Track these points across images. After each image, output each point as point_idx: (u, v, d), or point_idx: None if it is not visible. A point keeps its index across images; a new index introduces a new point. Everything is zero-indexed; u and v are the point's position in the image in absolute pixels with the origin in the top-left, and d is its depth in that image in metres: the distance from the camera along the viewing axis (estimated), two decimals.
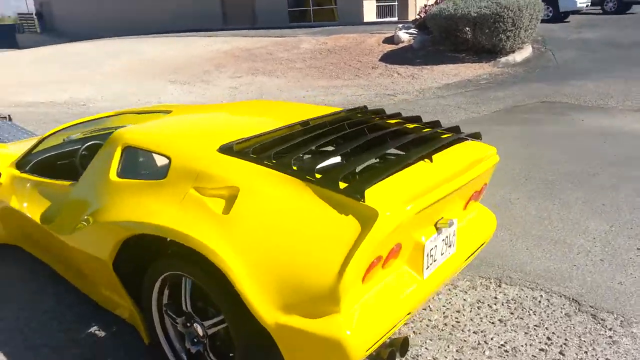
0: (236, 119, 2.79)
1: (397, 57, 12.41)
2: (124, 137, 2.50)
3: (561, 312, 2.75)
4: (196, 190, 2.07)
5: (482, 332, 2.63)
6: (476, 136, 2.58)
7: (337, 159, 2.57)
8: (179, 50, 16.63)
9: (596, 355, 2.42)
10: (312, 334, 1.75)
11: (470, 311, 2.80)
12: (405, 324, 2.70)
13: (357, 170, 2.55)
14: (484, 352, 2.48)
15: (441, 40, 12.28)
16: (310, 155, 2.62)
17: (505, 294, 2.94)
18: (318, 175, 1.92)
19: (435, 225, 2.15)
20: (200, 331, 2.12)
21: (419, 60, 11.88)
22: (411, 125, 2.69)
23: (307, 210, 1.85)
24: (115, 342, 2.68)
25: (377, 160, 2.72)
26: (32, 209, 3.02)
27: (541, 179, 4.69)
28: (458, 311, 2.81)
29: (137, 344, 2.57)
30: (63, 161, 3.37)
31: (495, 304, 2.85)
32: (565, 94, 8.27)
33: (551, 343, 2.52)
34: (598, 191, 4.33)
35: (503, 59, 11.18)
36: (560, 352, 2.45)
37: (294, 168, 1.98)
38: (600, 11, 18.63)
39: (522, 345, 2.52)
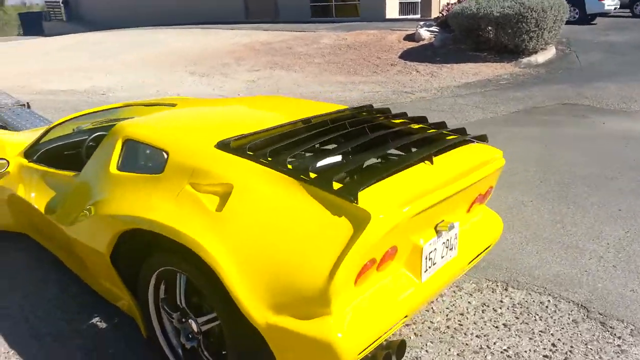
0: (239, 114, 2.76)
1: (417, 54, 12.28)
2: (124, 130, 2.50)
3: (568, 318, 2.68)
4: (192, 186, 2.05)
5: (485, 336, 2.57)
6: (482, 138, 2.51)
7: (335, 159, 2.53)
8: (200, 42, 16.70)
9: None
10: (303, 335, 1.73)
11: (474, 314, 2.75)
12: (407, 325, 2.65)
13: (354, 171, 2.52)
14: (485, 356, 2.43)
15: (462, 39, 12.11)
16: (307, 154, 2.58)
17: (511, 298, 2.88)
18: (313, 175, 1.89)
19: (435, 228, 2.10)
20: (194, 327, 2.11)
21: (439, 59, 11.73)
22: (416, 126, 2.63)
23: (299, 210, 1.82)
24: (116, 333, 2.69)
25: (376, 160, 2.68)
26: (38, 198, 3.04)
27: (557, 181, 4.59)
28: (461, 314, 2.75)
29: (138, 336, 2.56)
30: (70, 151, 3.38)
31: (500, 308, 2.79)
32: (587, 97, 8.09)
33: (556, 350, 2.46)
34: (615, 196, 4.21)
35: (525, 60, 10.97)
36: None
37: (289, 167, 1.94)
38: (630, 14, 18.16)
39: (525, 351, 2.45)
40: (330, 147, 2.65)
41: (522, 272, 3.12)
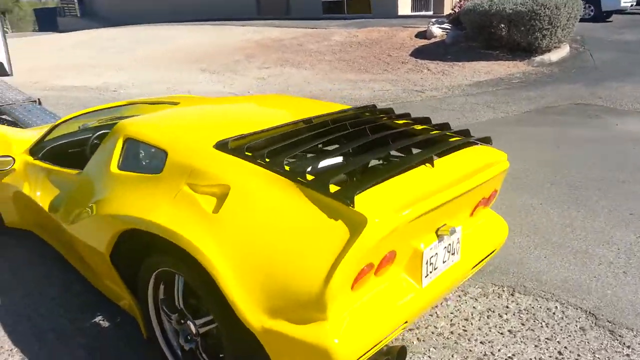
0: (241, 113, 2.74)
1: (428, 52, 12.17)
2: (125, 128, 2.48)
3: (576, 326, 2.63)
4: (189, 187, 2.03)
5: (489, 342, 2.53)
6: (486, 140, 2.47)
7: (334, 160, 2.50)
8: (211, 39, 16.71)
9: None
10: (299, 340, 1.70)
11: (479, 320, 2.70)
12: (410, 330, 2.62)
13: (352, 173, 2.48)
14: None
15: (474, 37, 11.98)
16: (306, 155, 2.55)
17: (517, 304, 2.83)
18: (310, 177, 1.86)
19: (437, 232, 2.06)
20: (193, 329, 2.09)
21: (451, 57, 11.62)
22: (419, 127, 2.59)
23: (296, 213, 1.79)
24: (118, 333, 2.68)
25: (376, 162, 2.64)
26: (42, 196, 3.04)
27: (567, 184, 4.51)
28: (466, 319, 2.71)
29: (140, 335, 2.56)
30: (74, 149, 3.39)
31: (506, 314, 2.74)
32: (600, 97, 7.95)
33: (562, 358, 2.41)
34: (627, 199, 4.13)
35: (538, 58, 10.82)
36: None
37: (286, 168, 1.91)
38: None
39: (530, 359, 2.40)
40: (330, 148, 2.62)
41: (529, 277, 3.06)
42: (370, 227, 1.67)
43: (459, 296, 2.91)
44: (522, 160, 5.11)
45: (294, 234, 1.76)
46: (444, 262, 2.15)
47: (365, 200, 1.77)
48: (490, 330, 2.61)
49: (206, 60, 13.76)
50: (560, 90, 8.56)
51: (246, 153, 2.06)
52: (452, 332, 2.60)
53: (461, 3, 13.59)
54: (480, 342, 2.52)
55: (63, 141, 3.41)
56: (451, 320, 2.70)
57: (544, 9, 10.42)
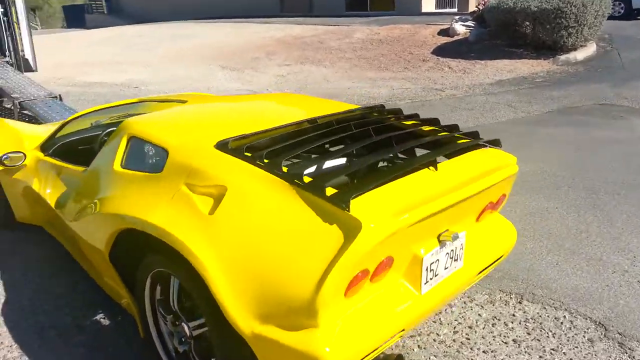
0: (247, 113, 2.71)
1: (450, 50, 12.00)
2: (130, 127, 2.48)
3: (584, 337, 2.54)
4: (187, 187, 2.01)
5: (492, 352, 2.46)
6: (495, 143, 2.39)
7: (334, 162, 2.45)
8: (234, 36, 16.78)
9: None
10: (289, 347, 1.67)
11: (484, 328, 2.63)
12: (411, 336, 2.56)
13: (352, 176, 2.43)
14: None
15: (498, 34, 11.76)
16: (307, 157, 2.51)
17: (524, 312, 2.75)
18: (307, 179, 1.82)
19: (438, 237, 2.00)
20: (186, 331, 2.07)
21: (473, 55, 11.43)
22: (426, 128, 2.52)
23: (290, 216, 1.76)
24: (118, 332, 2.69)
25: (378, 165, 2.59)
26: (51, 192, 3.07)
27: (585, 187, 4.38)
28: (470, 327, 2.64)
29: (139, 335, 2.56)
30: (83, 146, 3.41)
31: (512, 322, 2.67)
32: (626, 97, 7.72)
33: None
34: None
35: (563, 57, 10.57)
36: None
37: (284, 170, 1.88)
38: None
39: None
40: (333, 149, 2.57)
41: (538, 285, 2.98)
42: (365, 233, 1.63)
43: (465, 302, 2.84)
44: (540, 162, 4.99)
45: (287, 238, 1.73)
46: (445, 268, 2.10)
47: (362, 204, 1.72)
48: (494, 339, 2.54)
49: (227, 57, 13.82)
50: (584, 90, 8.34)
51: (245, 153, 2.03)
52: (454, 340, 2.54)
53: (485, 0, 13.36)
54: (483, 352, 2.46)
55: (73, 138, 3.45)
56: (454, 327, 2.64)
57: (570, 6, 10.16)
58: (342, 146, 2.47)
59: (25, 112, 6.99)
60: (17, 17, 9.04)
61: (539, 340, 2.52)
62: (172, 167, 2.14)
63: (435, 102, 8.32)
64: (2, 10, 8.87)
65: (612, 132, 6.05)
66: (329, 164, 2.34)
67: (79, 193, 2.72)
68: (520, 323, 2.66)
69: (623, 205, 4.00)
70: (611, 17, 12.06)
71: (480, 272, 2.31)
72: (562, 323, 2.64)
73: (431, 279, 2.02)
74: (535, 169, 4.82)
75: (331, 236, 1.66)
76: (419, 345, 2.51)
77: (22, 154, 3.31)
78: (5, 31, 8.94)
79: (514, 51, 11.21)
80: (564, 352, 2.43)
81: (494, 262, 2.39)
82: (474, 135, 2.45)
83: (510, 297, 2.88)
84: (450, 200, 1.93)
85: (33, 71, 9.28)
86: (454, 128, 2.53)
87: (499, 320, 2.69)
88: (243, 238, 1.79)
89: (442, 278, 2.08)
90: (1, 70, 8.17)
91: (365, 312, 1.82)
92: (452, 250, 2.11)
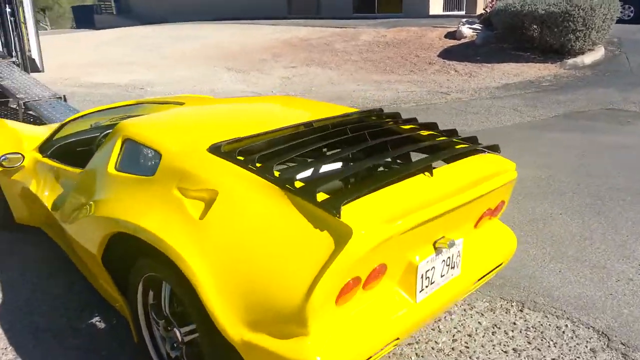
0: (243, 115, 2.68)
1: (457, 53, 11.93)
2: (125, 129, 2.46)
3: (586, 347, 2.48)
4: (179, 191, 1.98)
5: None
6: (494, 148, 2.34)
7: (327, 167, 2.41)
8: (240, 38, 16.79)
9: None
10: (278, 355, 1.63)
11: (483, 336, 2.58)
12: (409, 344, 2.52)
13: (345, 181, 2.39)
14: None
15: (505, 38, 11.68)
16: (300, 161, 2.47)
17: (525, 320, 2.69)
18: (299, 184, 1.78)
19: (434, 244, 1.96)
20: (178, 336, 2.04)
21: (480, 58, 11.36)
22: (424, 133, 2.48)
23: (281, 221, 1.72)
24: (113, 335, 2.66)
25: (372, 170, 2.54)
26: (48, 194, 3.06)
27: (590, 193, 4.31)
28: (469, 335, 2.59)
29: (132, 339, 2.54)
30: (81, 148, 3.40)
31: (512, 331, 2.61)
32: (633, 102, 7.63)
33: None
34: None
35: (571, 61, 10.48)
36: None
37: (276, 174, 1.84)
38: None
39: None
40: (327, 153, 2.54)
41: (540, 292, 2.92)
42: (356, 239, 1.59)
43: (465, 310, 2.79)
44: (545, 167, 4.93)
45: (277, 244, 1.70)
46: (442, 276, 2.05)
47: (354, 211, 1.68)
48: (493, 348, 2.49)
49: (233, 59, 13.83)
50: (591, 95, 8.26)
51: (238, 157, 2.00)
52: (453, 349, 2.49)
53: (493, 3, 13.29)
54: None
55: (71, 140, 3.43)
56: (453, 335, 2.59)
57: (578, 9, 10.08)
58: (337, 150, 2.42)
59: (30, 112, 7.01)
60: (24, 18, 9.08)
61: (540, 350, 2.47)
62: (164, 170, 2.11)
63: (441, 105, 8.26)
64: (10, 10, 8.91)
65: (619, 138, 5.97)
66: (322, 168, 2.30)
67: (73, 195, 2.70)
68: (521, 332, 2.61)
69: (628, 212, 3.93)
70: (620, 21, 11.96)
71: (479, 279, 2.26)
72: (564, 332, 2.59)
73: (427, 286, 1.98)
74: (539, 174, 4.76)
75: (321, 243, 1.62)
76: (416, 354, 2.46)
77: (20, 155, 3.30)
78: (13, 31, 8.98)
79: (520, 54, 11.14)
80: None
81: (493, 269, 2.34)
82: (472, 140, 2.40)
83: (512, 305, 2.82)
84: (446, 206, 1.89)
85: (39, 71, 9.31)
86: (452, 133, 2.49)
87: (499, 328, 2.64)
88: (233, 243, 1.75)
89: (438, 286, 2.04)
90: (7, 70, 8.20)
91: (357, 321, 1.78)
92: (449, 258, 2.06)
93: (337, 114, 2.66)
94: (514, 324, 2.67)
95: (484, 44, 12.14)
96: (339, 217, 1.63)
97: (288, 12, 24.87)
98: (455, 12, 21.88)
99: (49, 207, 2.94)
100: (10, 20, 8.95)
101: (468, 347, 2.50)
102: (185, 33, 18.93)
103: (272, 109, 2.96)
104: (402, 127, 2.57)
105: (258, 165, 1.93)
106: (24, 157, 3.29)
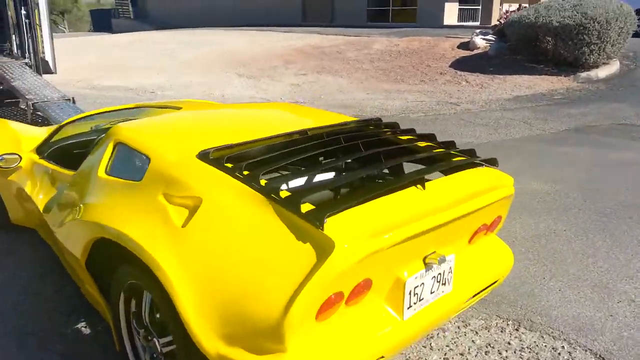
0: (238, 122, 2.64)
1: (469, 64, 11.86)
2: (117, 132, 2.44)
3: None
4: (164, 197, 1.94)
5: None
6: (492, 162, 2.27)
7: (318, 177, 2.36)
8: (253, 44, 16.87)
9: None
10: None
11: (476, 355, 2.50)
12: None
13: (333, 192, 2.33)
14: None
15: (519, 49, 11.60)
16: (292, 170, 2.42)
17: (521, 340, 2.61)
18: (284, 194, 1.73)
19: (424, 260, 1.90)
20: (157, 347, 2.00)
21: (492, 69, 11.27)
22: (421, 144, 2.42)
23: (263, 232, 1.67)
24: (96, 341, 2.61)
25: (363, 181, 2.48)
26: (42, 195, 3.04)
27: (596, 210, 4.21)
28: (462, 354, 2.51)
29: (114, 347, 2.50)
30: (77, 150, 3.39)
31: (506, 351, 2.53)
32: None
33: None
34: None
35: (584, 74, 10.36)
36: None
37: (262, 183, 1.80)
38: None
39: None
40: (320, 163, 2.49)
41: (538, 311, 2.83)
42: (338, 253, 1.53)
43: (459, 327, 2.72)
44: (552, 182, 4.83)
45: (257, 255, 1.65)
46: (432, 292, 1.99)
47: (338, 223, 1.63)
48: None
49: (245, 65, 13.87)
50: (604, 109, 8.13)
51: (225, 164, 1.96)
52: None
53: (507, 14, 13.21)
54: None
55: (67, 142, 3.42)
56: (445, 354, 2.52)
57: (594, 22, 9.97)
58: (329, 160, 2.37)
59: (38, 113, 7.06)
60: (39, 20, 9.17)
61: None
62: (152, 175, 2.07)
63: (449, 116, 8.19)
64: (25, 12, 9.01)
65: (630, 154, 5.85)
66: (312, 178, 2.25)
67: (64, 197, 2.68)
68: (515, 352, 2.52)
69: (634, 230, 3.83)
70: (636, 35, 11.81)
71: (472, 297, 2.19)
72: (559, 354, 2.50)
73: (415, 303, 1.92)
74: (545, 189, 4.67)
75: (303, 255, 1.57)
76: None
77: (17, 156, 3.29)
78: (27, 33, 9.07)
79: (533, 67, 11.03)
80: None
81: (487, 287, 2.27)
82: (470, 153, 2.34)
83: (507, 324, 2.74)
84: (438, 220, 1.83)
85: (52, 73, 9.40)
86: (450, 144, 2.43)
87: (493, 347, 2.56)
88: (213, 253, 1.71)
89: (427, 303, 1.97)
90: (19, 71, 8.28)
91: (339, 337, 1.72)
92: (440, 274, 2.00)
93: (333, 122, 2.61)
94: (509, 343, 2.59)
95: (497, 55, 12.06)
96: (322, 229, 1.58)
97: (303, 20, 25.00)
98: (470, 23, 21.83)
99: (41, 209, 2.92)
100: (25, 23, 9.05)
101: None
102: (199, 39, 19.06)
103: (269, 116, 2.92)
104: (399, 137, 2.51)
105: (245, 173, 1.89)
106: (21, 158, 3.29)
